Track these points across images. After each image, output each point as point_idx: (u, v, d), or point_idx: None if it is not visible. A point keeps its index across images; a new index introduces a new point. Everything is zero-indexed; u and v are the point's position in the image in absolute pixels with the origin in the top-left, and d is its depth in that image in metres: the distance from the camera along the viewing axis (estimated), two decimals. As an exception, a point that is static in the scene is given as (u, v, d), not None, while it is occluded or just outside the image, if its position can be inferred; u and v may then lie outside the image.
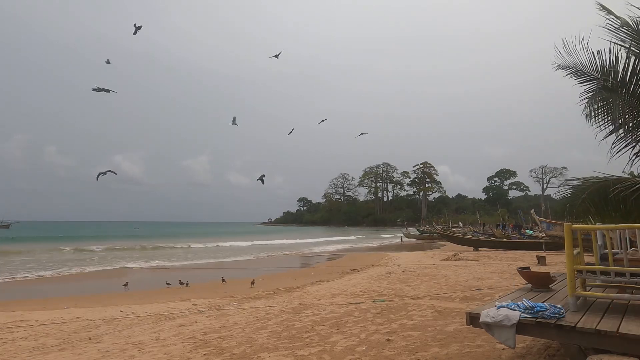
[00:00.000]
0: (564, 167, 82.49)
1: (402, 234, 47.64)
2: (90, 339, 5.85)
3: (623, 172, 5.43)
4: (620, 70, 5.30)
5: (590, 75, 5.53)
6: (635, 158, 5.25)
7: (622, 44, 5.20)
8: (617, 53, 5.32)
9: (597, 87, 5.44)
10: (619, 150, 5.32)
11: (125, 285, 12.43)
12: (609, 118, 5.25)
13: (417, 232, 50.70)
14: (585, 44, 5.43)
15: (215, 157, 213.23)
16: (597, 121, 5.35)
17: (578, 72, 5.63)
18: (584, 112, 5.33)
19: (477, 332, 4.39)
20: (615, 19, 5.29)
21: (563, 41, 5.55)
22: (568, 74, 5.74)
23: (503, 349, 3.97)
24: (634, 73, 5.20)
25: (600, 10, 5.42)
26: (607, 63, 5.36)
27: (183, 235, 54.02)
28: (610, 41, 5.26)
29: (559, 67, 5.82)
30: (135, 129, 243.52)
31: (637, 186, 4.52)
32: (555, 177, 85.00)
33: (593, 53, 5.41)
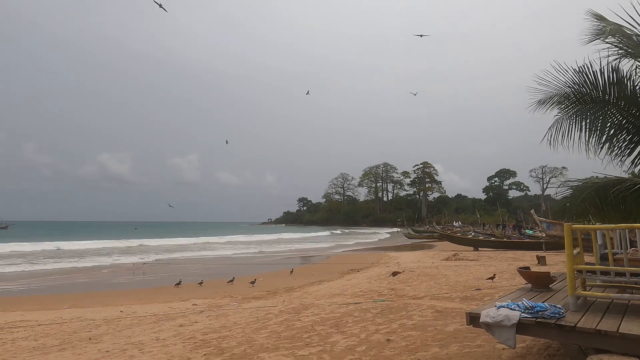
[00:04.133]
0: (563, 167, 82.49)
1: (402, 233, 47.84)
2: (90, 339, 5.85)
3: (623, 171, 5.44)
4: (611, 76, 5.11)
5: (577, 90, 5.30)
6: (635, 160, 5.24)
7: (615, 49, 5.13)
8: (605, 61, 5.12)
9: (580, 102, 5.30)
10: (617, 154, 5.30)
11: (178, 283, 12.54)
12: (602, 128, 5.21)
13: (416, 233, 50.66)
14: (570, 68, 5.20)
15: (208, 156, 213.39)
16: (582, 132, 5.30)
17: (561, 97, 5.40)
18: (546, 136, 5.40)
19: (477, 332, 4.39)
20: (604, 25, 5.24)
21: (536, 77, 5.40)
22: (550, 108, 5.51)
23: (503, 349, 3.97)
24: (624, 77, 5.12)
25: (591, 17, 5.38)
26: (593, 74, 5.13)
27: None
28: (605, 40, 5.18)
29: (539, 102, 5.58)
30: (124, 126, 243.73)
31: (637, 186, 4.52)
32: (555, 177, 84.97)
33: (580, 68, 5.16)
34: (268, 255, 25.83)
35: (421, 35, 26.76)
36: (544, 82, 5.41)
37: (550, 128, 5.56)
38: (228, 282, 12.37)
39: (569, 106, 5.39)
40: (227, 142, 63.30)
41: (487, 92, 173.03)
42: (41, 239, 36.82)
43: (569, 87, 5.31)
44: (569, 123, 5.34)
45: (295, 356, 4.34)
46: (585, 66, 5.12)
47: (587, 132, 5.24)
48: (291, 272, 14.86)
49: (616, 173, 5.25)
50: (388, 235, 55.45)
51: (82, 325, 6.88)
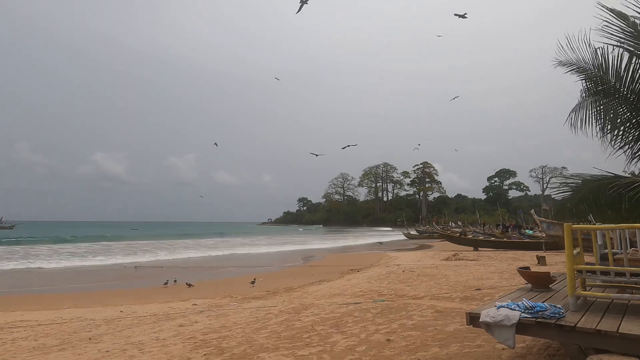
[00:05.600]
0: (563, 167, 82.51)
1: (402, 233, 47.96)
2: (90, 339, 5.85)
3: (624, 171, 5.44)
4: (620, 68, 5.28)
5: (591, 72, 5.53)
6: (634, 158, 5.24)
7: (621, 44, 5.19)
8: (616, 51, 5.30)
9: (595, 86, 5.46)
10: (620, 148, 5.32)
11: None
12: (605, 119, 5.28)
13: (417, 233, 50.74)
14: (588, 41, 5.43)
15: (207, 156, 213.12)
16: (595, 120, 5.39)
17: (579, 69, 5.63)
18: (568, 118, 5.51)
19: (477, 332, 4.39)
20: (615, 18, 5.27)
21: (566, 37, 5.57)
22: (569, 71, 5.75)
23: (503, 349, 3.97)
24: (632, 71, 5.20)
25: (600, 9, 5.41)
26: (607, 61, 5.35)
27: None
28: (610, 43, 5.24)
29: (560, 63, 5.82)
30: (120, 126, 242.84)
31: (635, 185, 4.52)
32: (555, 177, 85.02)
33: (596, 50, 5.40)
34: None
35: (462, 16, 21.21)
36: (568, 48, 5.63)
37: (572, 111, 5.74)
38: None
39: (588, 86, 5.60)
40: (216, 145, 61.78)
41: (488, 93, 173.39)
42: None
43: (590, 64, 5.51)
44: (587, 107, 5.51)
45: (295, 356, 4.33)
46: (599, 49, 5.34)
47: (597, 122, 5.36)
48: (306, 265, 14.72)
49: (615, 171, 5.27)
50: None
51: (82, 325, 6.88)
